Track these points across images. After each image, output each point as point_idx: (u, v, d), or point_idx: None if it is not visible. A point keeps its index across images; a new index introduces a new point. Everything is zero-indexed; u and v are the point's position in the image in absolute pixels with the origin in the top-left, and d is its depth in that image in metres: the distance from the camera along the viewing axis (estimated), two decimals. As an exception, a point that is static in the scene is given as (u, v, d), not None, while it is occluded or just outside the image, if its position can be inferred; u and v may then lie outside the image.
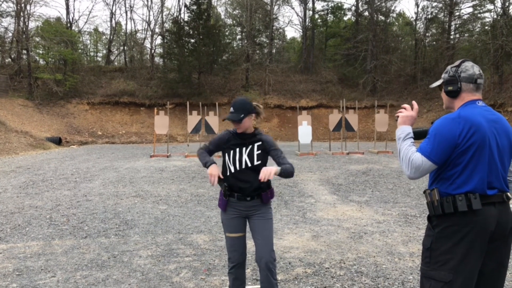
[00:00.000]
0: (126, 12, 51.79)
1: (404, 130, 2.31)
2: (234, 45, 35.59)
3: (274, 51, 37.14)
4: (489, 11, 29.76)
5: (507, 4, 25.72)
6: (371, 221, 5.87)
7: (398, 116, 2.38)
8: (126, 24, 57.05)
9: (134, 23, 51.85)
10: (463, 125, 2.10)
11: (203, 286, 3.61)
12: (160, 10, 34.19)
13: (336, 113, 16.95)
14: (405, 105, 2.40)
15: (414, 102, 2.42)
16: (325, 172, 10.84)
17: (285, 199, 7.36)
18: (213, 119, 15.63)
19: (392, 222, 5.78)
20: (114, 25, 36.14)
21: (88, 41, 41.65)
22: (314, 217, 6.09)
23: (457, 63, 2.31)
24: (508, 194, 2.16)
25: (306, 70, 33.05)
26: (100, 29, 43.91)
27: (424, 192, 2.27)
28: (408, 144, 2.24)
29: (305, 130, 16.17)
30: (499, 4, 26.89)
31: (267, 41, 34.85)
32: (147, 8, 55.39)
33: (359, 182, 9.29)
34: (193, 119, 15.53)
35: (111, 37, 35.93)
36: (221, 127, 22.68)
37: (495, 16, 27.09)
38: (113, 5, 37.71)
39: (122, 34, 37.47)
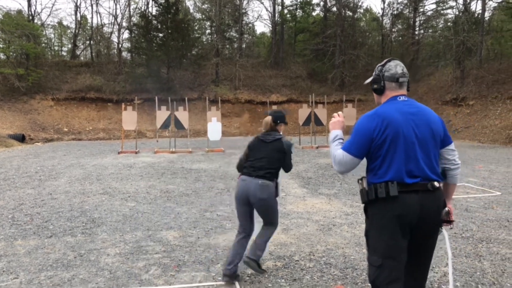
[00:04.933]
0: (91, 5, 49.93)
1: (333, 133, 2.53)
2: (204, 40, 35.26)
3: (244, 46, 37.03)
4: (451, 7, 30.81)
5: (468, 1, 26.59)
6: (340, 213, 5.97)
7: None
8: (92, 17, 55.46)
9: (101, 16, 50.75)
10: (377, 121, 2.27)
11: (173, 283, 3.58)
12: (127, 4, 33.41)
13: (305, 108, 17.10)
14: (335, 114, 2.65)
15: (340, 112, 2.69)
16: (295, 166, 10.92)
17: (256, 194, 7.38)
18: (182, 114, 15.45)
19: (360, 213, 5.89)
20: (79, 19, 35.08)
21: (52, 35, 40.31)
22: (284, 211, 6.13)
23: (383, 62, 2.46)
24: (434, 183, 2.26)
25: (276, 65, 33.15)
26: (65, 23, 42.61)
27: (358, 181, 2.47)
28: (335, 144, 2.45)
29: (275, 125, 16.21)
30: (460, 1, 27.84)
31: (237, 35, 34.71)
32: (114, 2, 53.93)
33: (328, 175, 9.43)
34: (162, 114, 15.30)
35: (77, 31, 34.87)
36: (191, 122, 22.50)
37: (457, 13, 28.01)
38: (77, -2, 36.55)
39: (88, 28, 36.42)
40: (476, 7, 29.09)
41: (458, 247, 4.46)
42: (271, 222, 3.69)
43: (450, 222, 2.49)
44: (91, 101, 26.88)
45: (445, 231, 2.56)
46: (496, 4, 27.02)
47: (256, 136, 3.82)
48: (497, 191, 7.36)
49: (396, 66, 2.40)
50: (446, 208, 2.46)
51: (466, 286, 3.50)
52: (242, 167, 3.75)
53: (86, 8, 65.63)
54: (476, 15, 26.68)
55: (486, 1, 25.14)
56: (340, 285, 3.52)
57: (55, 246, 4.54)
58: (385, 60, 2.48)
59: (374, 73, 2.48)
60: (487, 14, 26.56)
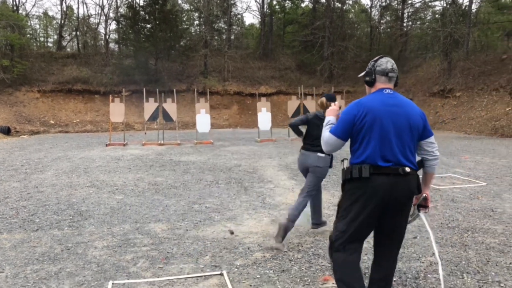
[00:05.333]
0: (77, -5, 49.38)
1: (327, 119, 2.89)
2: (192, 31, 34.97)
3: (232, 37, 36.80)
4: (439, -1, 30.85)
5: (456, -7, 26.72)
6: (328, 204, 6.00)
7: None
8: (78, 8, 54.67)
9: (87, 7, 49.88)
10: (359, 109, 2.61)
11: (161, 275, 3.57)
12: (114, -6, 32.90)
13: (294, 99, 17.11)
14: (332, 103, 3.17)
15: (336, 102, 3.14)
16: (284, 158, 10.95)
17: (245, 185, 7.39)
18: (170, 106, 15.34)
19: (348, 204, 5.92)
20: (65, 9, 34.50)
21: (38, 26, 39.60)
22: (273, 202, 6.16)
23: (376, 58, 2.79)
24: (406, 168, 2.54)
25: (265, 57, 33.03)
26: (50, 13, 41.84)
27: (341, 161, 2.82)
28: (326, 128, 2.80)
29: (264, 117, 16.24)
30: (448, -7, 27.91)
31: (226, 27, 34.47)
32: (100, -8, 53.10)
33: (317, 167, 9.45)
34: (149, 106, 15.17)
35: (62, 22, 34.30)
36: (179, 114, 22.35)
37: (445, 5, 28.12)
38: (63, -12, 35.84)
39: (74, 18, 35.82)
40: (463, -1, 29.26)
41: (444, 237, 4.52)
42: (308, 190, 4.43)
43: (426, 207, 2.82)
44: (78, 93, 26.54)
45: (422, 215, 2.88)
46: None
47: (315, 112, 4.61)
48: (482, 182, 7.47)
49: (387, 62, 2.71)
50: (424, 195, 2.80)
51: (451, 275, 3.55)
52: (294, 126, 4.71)
53: (72, -2, 64.32)
54: (463, 7, 26.84)
55: (474, -7, 25.31)
56: (328, 276, 3.54)
57: (41, 240, 4.49)
58: (377, 57, 2.79)
59: (367, 68, 2.77)
60: (474, 6, 26.75)
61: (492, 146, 13.22)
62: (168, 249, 4.21)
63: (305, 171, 4.55)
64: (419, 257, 3.96)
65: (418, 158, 2.76)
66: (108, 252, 4.11)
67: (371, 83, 2.75)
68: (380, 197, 2.52)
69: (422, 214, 2.85)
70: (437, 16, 29.25)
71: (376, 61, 2.75)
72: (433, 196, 6.42)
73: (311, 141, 4.46)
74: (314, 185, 4.45)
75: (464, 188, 7.01)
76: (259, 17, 36.10)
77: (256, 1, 54.53)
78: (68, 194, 6.76)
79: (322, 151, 4.20)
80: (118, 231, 4.79)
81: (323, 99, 4.51)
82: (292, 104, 16.92)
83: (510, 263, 3.78)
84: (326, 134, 2.73)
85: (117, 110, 15.08)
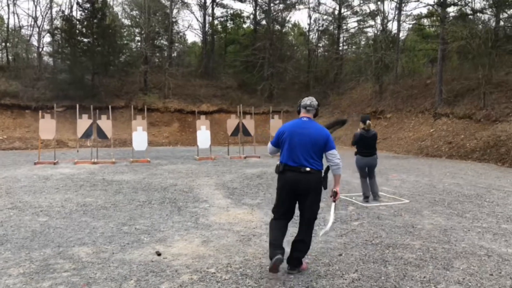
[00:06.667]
0: (8, 5, 46.67)
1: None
2: (133, 47, 34.29)
3: (174, 54, 36.53)
4: (371, 26, 32.85)
5: (385, 21, 28.62)
6: (261, 223, 6.07)
7: None
8: (9, 18, 51.39)
9: (19, 18, 47.09)
10: (282, 129, 4.16)
11: (80, 302, 3.41)
12: (49, 6, 31.57)
13: (233, 118, 17.25)
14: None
15: None
16: (222, 177, 10.95)
17: (179, 205, 7.29)
18: (105, 123, 14.84)
19: (279, 223, 6.01)
20: (-7, 19, 32.47)
21: (-38, 35, 36.84)
22: (206, 222, 6.12)
23: (303, 97, 4.30)
24: (306, 168, 3.89)
25: (207, 75, 33.09)
26: (-23, 22, 39.03)
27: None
28: (270, 141, 4.36)
29: (203, 135, 16.20)
30: (379, 21, 29.84)
31: (167, 44, 34.20)
32: (33, 3, 50.59)
33: (253, 185, 9.55)
34: (83, 123, 14.58)
35: (-10, 32, 32.22)
36: (117, 131, 21.66)
37: (376, 31, 29.95)
38: (-8, -3, 33.88)
39: (4, 29, 33.83)
40: (392, 27, 31.43)
41: (368, 253, 4.72)
42: (374, 175, 7.87)
43: (335, 197, 4.13)
44: (6, 108, 24.88)
45: (333, 204, 4.27)
46: (410, 26, 29.40)
47: (361, 133, 7.65)
48: (406, 199, 7.93)
49: (307, 100, 4.17)
50: (334, 189, 4.10)
51: (370, 290, 3.71)
52: (356, 143, 7.74)
53: (2, 8, 60.72)
54: (392, 34, 28.73)
55: (401, 22, 27.25)
56: (254, 296, 3.59)
57: None
58: (304, 97, 4.28)
59: (298, 103, 4.25)
60: (402, 34, 28.75)
61: (417, 165, 14.09)
62: (91, 274, 4.04)
63: (366, 168, 7.71)
64: (342, 274, 4.10)
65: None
66: (23, 280, 3.86)
67: (298, 113, 4.22)
68: (289, 185, 3.96)
69: (333, 203, 4.26)
70: (370, 42, 31.03)
71: (302, 99, 4.23)
72: (361, 214, 6.72)
73: (365, 149, 7.65)
74: (374, 172, 7.85)
75: (389, 205, 7.40)
76: (201, 35, 36.25)
77: (198, 20, 54.63)
78: (-15, 217, 6.28)
79: (374, 154, 7.73)
80: (38, 256, 4.53)
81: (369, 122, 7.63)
82: (232, 122, 17.05)
83: (424, 277, 4.03)
84: (268, 144, 4.34)
85: (47, 126, 14.34)
